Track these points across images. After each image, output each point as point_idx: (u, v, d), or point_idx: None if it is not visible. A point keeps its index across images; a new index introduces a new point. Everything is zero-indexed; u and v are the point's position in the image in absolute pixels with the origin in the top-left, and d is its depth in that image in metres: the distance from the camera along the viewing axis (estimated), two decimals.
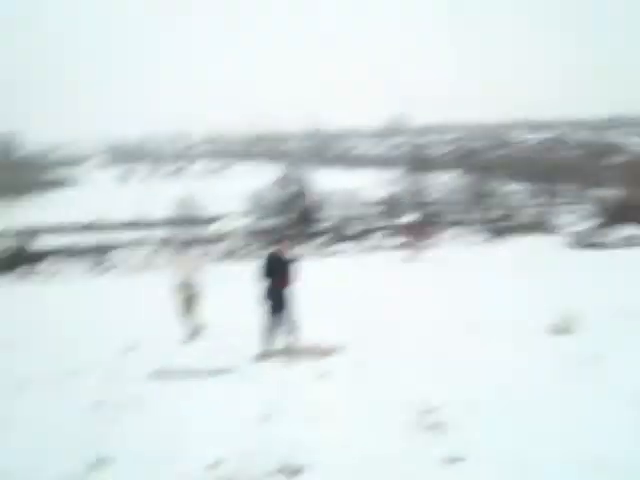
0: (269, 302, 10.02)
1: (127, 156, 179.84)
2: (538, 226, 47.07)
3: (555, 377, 7.56)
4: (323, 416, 6.49)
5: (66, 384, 8.26)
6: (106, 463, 5.62)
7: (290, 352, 9.72)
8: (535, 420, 6.07)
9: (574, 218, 51.04)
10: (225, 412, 6.82)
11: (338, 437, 5.89)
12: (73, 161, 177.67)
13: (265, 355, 9.78)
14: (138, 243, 53.31)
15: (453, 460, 5.18)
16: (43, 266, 47.02)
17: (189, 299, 11.73)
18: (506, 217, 52.37)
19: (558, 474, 4.98)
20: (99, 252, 48.72)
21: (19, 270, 45.14)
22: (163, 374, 8.70)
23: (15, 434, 6.36)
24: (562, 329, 10.33)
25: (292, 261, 10.17)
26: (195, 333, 11.71)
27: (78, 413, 6.96)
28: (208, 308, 12.04)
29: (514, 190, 64.07)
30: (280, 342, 10.18)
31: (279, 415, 6.67)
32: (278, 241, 10.48)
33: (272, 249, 10.34)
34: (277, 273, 9.89)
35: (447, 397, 6.67)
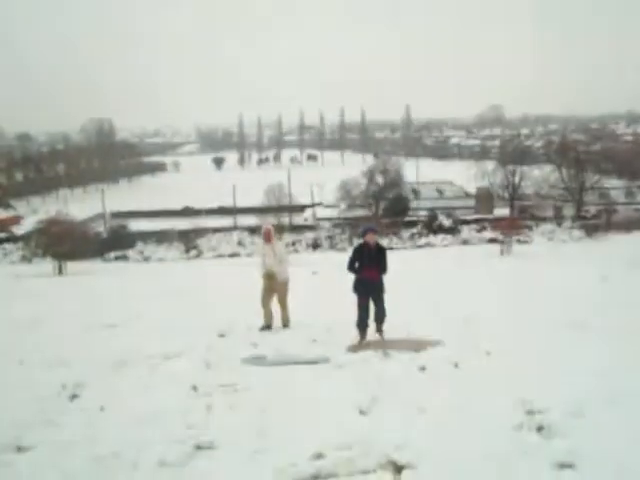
0: (360, 292, 9.74)
1: (218, 144, 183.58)
2: (638, 224, 44.27)
3: None
4: (427, 411, 6.16)
5: (161, 368, 8.22)
6: (205, 450, 5.49)
7: (384, 344, 9.29)
8: None
9: None
10: (324, 402, 6.57)
11: (444, 433, 5.58)
12: (166, 148, 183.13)
13: (358, 346, 9.39)
14: (228, 230, 53.73)
15: (565, 465, 4.85)
16: (136, 249, 48.00)
17: (273, 288, 11.07)
18: (603, 214, 49.72)
19: None
20: (190, 237, 49.32)
21: (114, 252, 46.17)
22: (257, 361, 8.52)
23: (115, 417, 6.31)
24: None
25: (382, 251, 9.84)
26: (282, 323, 11.15)
27: (175, 398, 6.89)
28: (297, 298, 11.86)
29: (613, 186, 60.96)
30: (372, 333, 9.83)
31: (380, 408, 6.38)
32: (368, 231, 9.95)
33: (362, 239, 9.92)
34: (367, 263, 9.64)
35: (554, 398, 6.24)
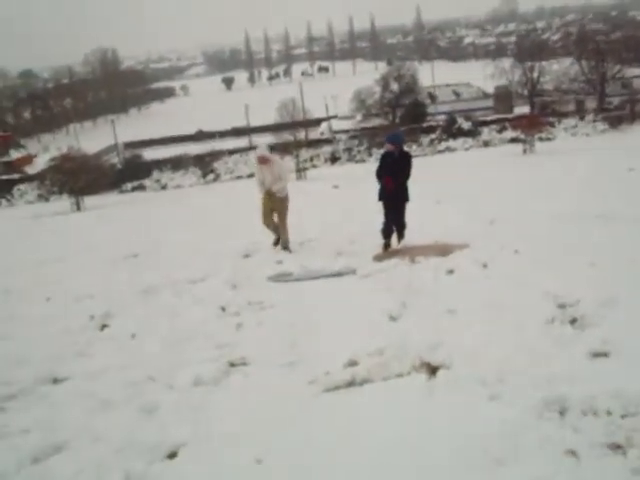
0: (386, 201, 9.58)
1: (226, 64, 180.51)
2: None
3: None
4: (457, 312, 6.14)
5: (188, 292, 8.18)
6: (239, 367, 5.55)
7: (411, 251, 9.18)
8: None
9: None
10: (352, 312, 6.57)
11: (476, 331, 5.55)
12: (173, 72, 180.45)
13: (384, 255, 9.30)
14: (244, 150, 53.38)
15: (600, 354, 4.87)
16: (152, 178, 48.01)
17: (273, 208, 10.57)
18: (626, 104, 48.40)
19: None
20: (206, 161, 49.12)
21: (130, 183, 46.24)
22: (283, 277, 8.51)
23: (146, 343, 6.36)
24: None
25: (406, 159, 9.58)
26: (283, 243, 10.57)
27: (204, 319, 6.92)
28: (320, 212, 11.96)
29: (635, 75, 59.11)
30: (398, 241, 9.75)
31: (410, 313, 6.37)
32: (388, 141, 9.72)
33: (386, 148, 9.68)
34: (389, 173, 9.41)
35: (586, 291, 6.17)
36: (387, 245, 9.62)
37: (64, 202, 34.02)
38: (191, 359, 5.69)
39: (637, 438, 3.69)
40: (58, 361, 5.97)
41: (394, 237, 9.72)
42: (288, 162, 43.48)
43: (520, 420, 4.02)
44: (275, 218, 10.55)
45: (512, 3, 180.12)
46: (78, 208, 32.21)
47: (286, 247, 10.44)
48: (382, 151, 10.13)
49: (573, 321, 5.60)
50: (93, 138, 69.44)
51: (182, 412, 4.73)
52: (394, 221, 9.63)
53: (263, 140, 50.76)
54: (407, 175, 9.48)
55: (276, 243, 10.60)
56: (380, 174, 9.48)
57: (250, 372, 5.38)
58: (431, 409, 4.37)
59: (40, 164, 51.55)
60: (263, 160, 10.43)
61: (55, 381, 5.59)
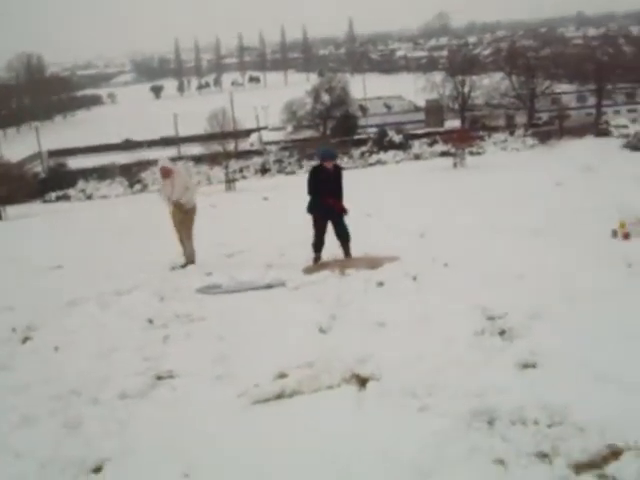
0: (318, 213, 9.58)
1: (155, 72, 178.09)
2: (590, 128, 44.88)
3: (621, 283, 7.06)
4: (387, 324, 6.21)
5: (114, 304, 8.04)
6: (166, 380, 5.49)
7: (340, 263, 9.28)
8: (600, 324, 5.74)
9: (628, 119, 48.64)
10: (282, 324, 6.59)
11: (405, 344, 5.64)
12: (100, 80, 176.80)
13: (314, 267, 9.35)
14: (173, 160, 52.64)
15: (528, 365, 5.02)
16: (77, 187, 46.82)
17: (182, 220, 10.22)
18: (555, 120, 50.09)
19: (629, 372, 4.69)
20: (133, 171, 48.18)
21: (54, 193, 44.98)
22: (212, 290, 8.41)
23: (70, 356, 6.23)
24: (637, 232, 9.53)
25: (340, 172, 9.77)
26: (187, 257, 10.24)
27: (130, 332, 6.84)
28: (250, 223, 12.04)
29: (564, 91, 61.21)
30: (329, 254, 9.79)
31: (340, 325, 6.43)
32: (327, 158, 9.66)
33: (321, 163, 9.67)
34: (328, 189, 9.46)
35: (514, 303, 6.33)
36: (317, 258, 9.64)
37: None
38: (117, 372, 5.60)
39: (562, 447, 3.82)
40: None
41: (327, 249, 9.70)
42: (218, 172, 43.33)
43: (449, 431, 4.10)
44: (182, 230, 10.20)
45: (444, 18, 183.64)
46: (0, 217, 31.21)
47: (192, 261, 10.16)
48: (312, 164, 10.19)
49: (502, 333, 5.74)
50: (16, 145, 67.34)
51: (107, 426, 4.64)
52: (339, 236, 9.63)
53: (195, 150, 50.48)
54: (341, 187, 9.55)
55: (184, 263, 10.18)
56: (315, 190, 9.44)
57: (177, 385, 5.33)
58: (361, 421, 4.42)
59: None
60: (166, 172, 10.20)
61: None
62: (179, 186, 10.10)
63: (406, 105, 73.52)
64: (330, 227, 9.65)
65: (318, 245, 9.66)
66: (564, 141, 42.01)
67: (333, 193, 9.46)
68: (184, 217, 10.20)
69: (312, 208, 9.57)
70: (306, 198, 9.63)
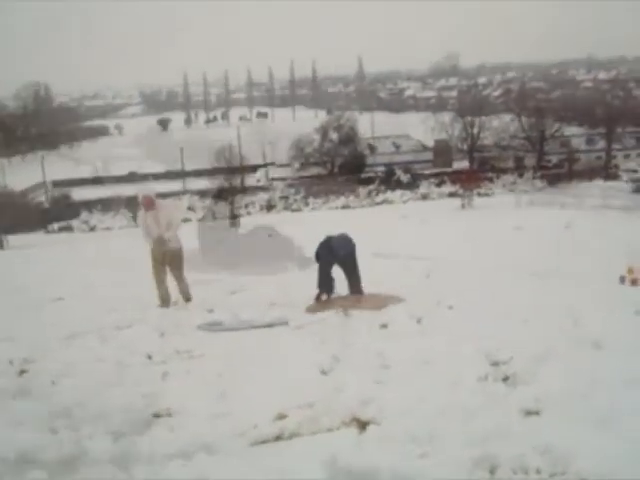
0: (323, 259, 9.48)
1: (163, 104, 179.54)
2: (599, 172, 45.04)
3: (628, 326, 7.15)
4: (390, 367, 6.17)
5: (114, 338, 8.01)
6: (163, 418, 5.43)
7: (344, 303, 9.16)
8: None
9: (638, 164, 48.78)
10: (283, 364, 6.50)
11: (407, 388, 5.56)
12: (108, 111, 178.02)
13: (318, 307, 9.26)
14: (178, 194, 52.82)
15: (532, 412, 4.95)
16: (81, 219, 46.87)
17: (165, 260, 9.59)
18: (564, 163, 50.25)
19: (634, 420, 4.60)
20: (138, 204, 48.17)
21: (57, 223, 45.04)
22: (213, 327, 8.35)
23: (67, 391, 6.10)
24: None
25: (351, 253, 9.69)
26: (183, 297, 9.89)
27: (129, 367, 6.77)
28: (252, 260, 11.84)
29: (573, 134, 61.42)
30: (332, 294, 9.69)
31: (342, 366, 6.35)
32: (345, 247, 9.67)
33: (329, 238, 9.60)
34: (348, 270, 9.59)
35: (519, 348, 6.28)
36: (320, 296, 9.52)
37: None
38: (113, 408, 5.50)
39: None
40: None
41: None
42: (223, 207, 43.37)
43: (450, 478, 4.01)
44: (168, 274, 9.67)
45: (454, 58, 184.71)
46: (2, 247, 31.27)
47: (189, 299, 9.87)
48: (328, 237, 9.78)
49: (505, 379, 5.67)
50: (21, 174, 67.52)
51: (102, 465, 4.54)
52: (351, 284, 9.62)
53: (201, 184, 50.54)
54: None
55: (165, 303, 9.74)
56: (328, 289, 9.41)
57: (175, 423, 5.24)
58: (359, 467, 4.29)
59: None
60: (149, 203, 9.44)
61: None
62: (161, 222, 9.43)
63: (414, 145, 73.69)
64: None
65: (324, 287, 9.53)
66: (573, 183, 42.10)
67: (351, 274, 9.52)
68: (170, 259, 9.56)
69: (318, 255, 9.50)
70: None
